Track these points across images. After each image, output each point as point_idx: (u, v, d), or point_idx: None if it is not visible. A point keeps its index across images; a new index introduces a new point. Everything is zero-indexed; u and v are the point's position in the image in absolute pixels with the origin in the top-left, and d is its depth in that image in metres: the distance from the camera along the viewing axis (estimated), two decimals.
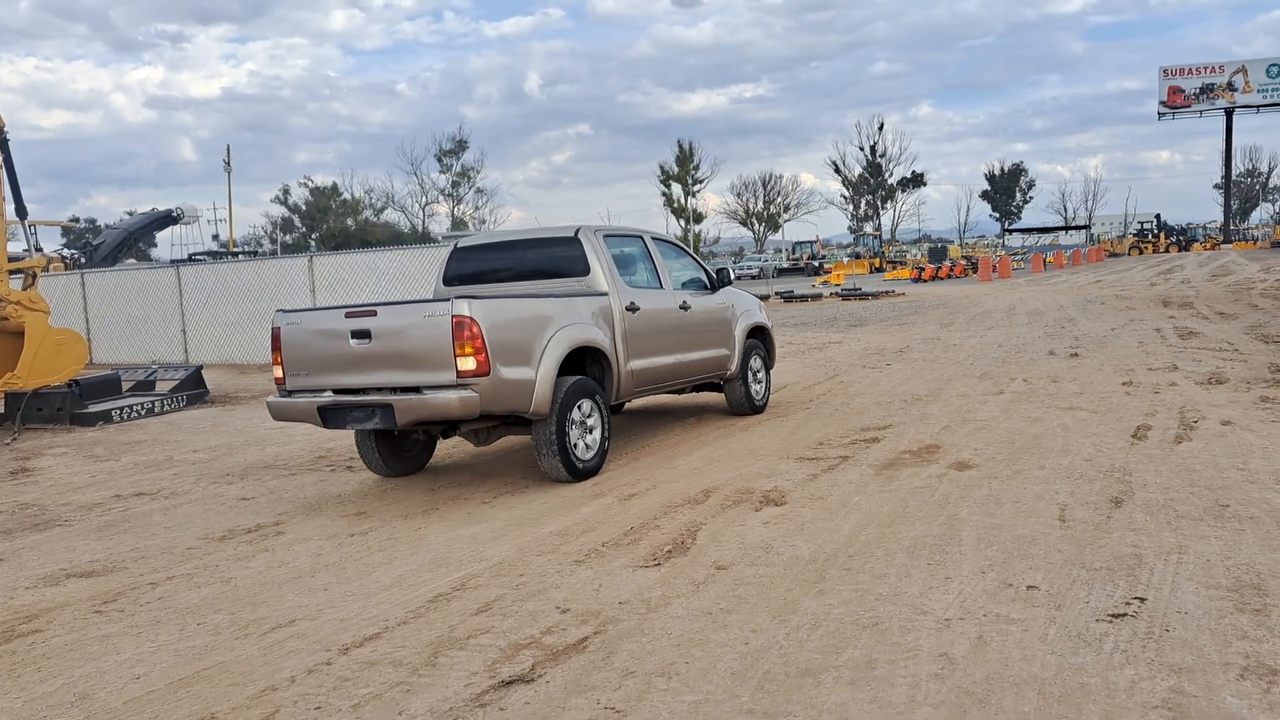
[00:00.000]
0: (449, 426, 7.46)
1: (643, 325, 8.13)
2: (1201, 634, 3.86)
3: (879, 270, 56.66)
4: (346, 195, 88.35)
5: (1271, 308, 19.47)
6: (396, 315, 6.74)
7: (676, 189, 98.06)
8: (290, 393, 7.13)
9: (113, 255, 37.02)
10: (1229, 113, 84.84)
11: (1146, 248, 69.46)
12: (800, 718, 3.36)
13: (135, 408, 12.76)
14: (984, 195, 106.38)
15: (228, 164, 62.37)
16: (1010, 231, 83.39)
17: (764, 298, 33.58)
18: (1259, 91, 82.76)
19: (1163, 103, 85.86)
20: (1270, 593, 4.26)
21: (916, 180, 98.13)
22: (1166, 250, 69.19)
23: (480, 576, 5.16)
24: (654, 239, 9.05)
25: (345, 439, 9.71)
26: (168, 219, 41.93)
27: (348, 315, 6.85)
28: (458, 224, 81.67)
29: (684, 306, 8.83)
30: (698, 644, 4.04)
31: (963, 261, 50.28)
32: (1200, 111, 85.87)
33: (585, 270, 7.96)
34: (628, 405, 9.91)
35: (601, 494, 6.87)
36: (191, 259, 33.01)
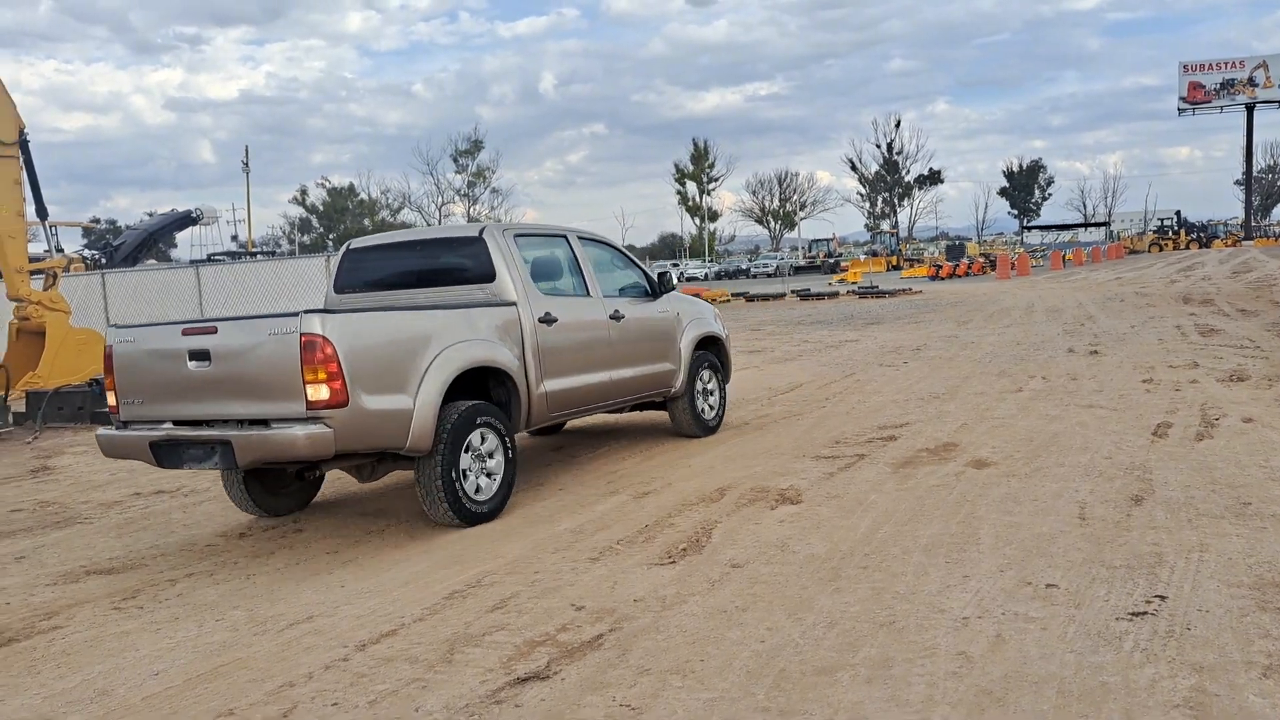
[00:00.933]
0: (308, 465, 6.34)
1: (562, 340, 7.08)
2: (1223, 632, 3.82)
3: (896, 268, 56.46)
4: (363, 196, 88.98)
5: None
6: (240, 332, 5.65)
7: (691, 187, 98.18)
8: (125, 424, 6.04)
9: (133, 256, 37.30)
10: (1250, 108, 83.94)
11: (1167, 244, 68.90)
12: (817, 716, 3.35)
13: None
14: (1002, 192, 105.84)
15: (246, 165, 62.74)
16: (1029, 229, 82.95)
17: (780, 295, 33.51)
18: None
19: (1183, 98, 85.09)
20: None
21: (934, 177, 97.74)
22: (1187, 247, 68.58)
23: (495, 574, 5.16)
24: (581, 239, 7.95)
25: None
26: (187, 220, 42.20)
27: (185, 332, 5.79)
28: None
29: (616, 316, 7.75)
30: (713, 642, 4.03)
31: (980, 259, 50.00)
32: (1221, 107, 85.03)
33: (490, 275, 6.86)
34: (623, 412, 8.84)
35: (615, 491, 6.86)
36: (211, 259, 33.25)
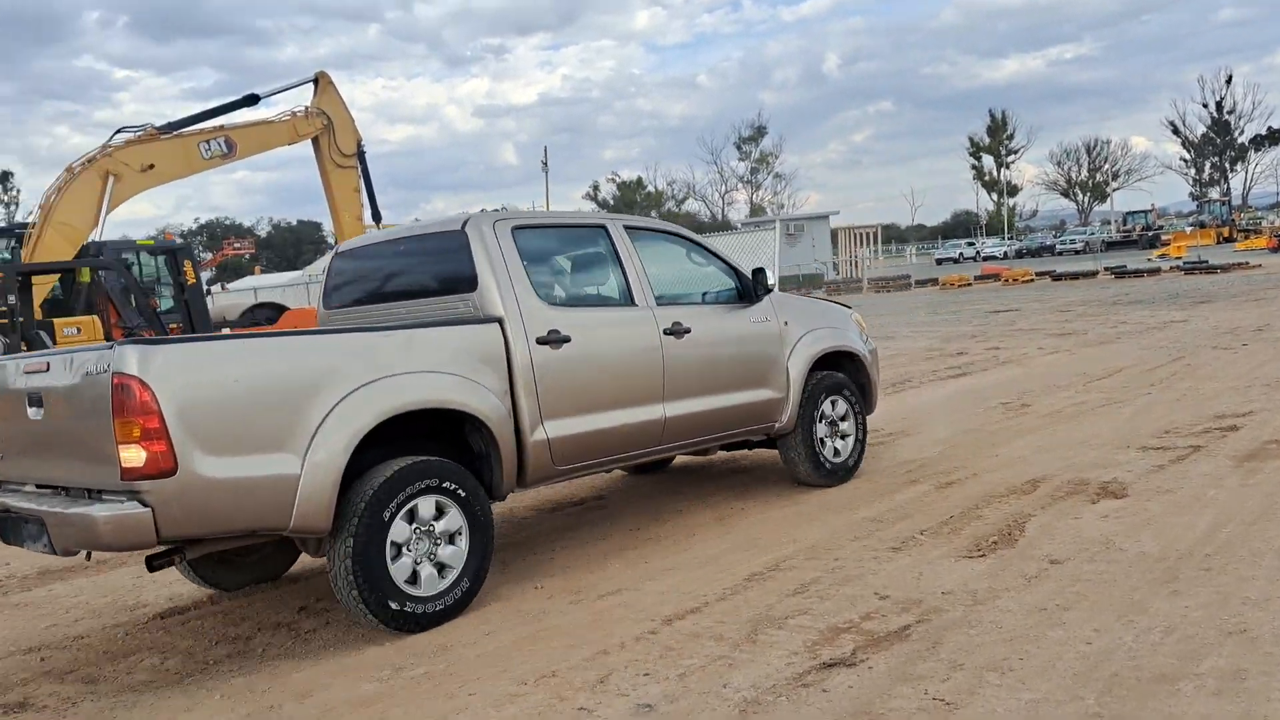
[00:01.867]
0: (171, 552, 4.60)
1: (578, 366, 5.35)
2: None
3: (1228, 240, 50.47)
4: (650, 188, 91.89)
5: None
6: (64, 370, 4.27)
7: (988, 161, 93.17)
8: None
9: None
10: None
11: None
12: None
13: None
14: None
15: (545, 165, 66.57)
16: None
17: (1091, 274, 31.00)
18: None
19: None
20: None
21: (1273, 137, 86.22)
22: None
23: (793, 559, 5.15)
24: (631, 229, 6.05)
25: None
26: None
27: (25, 369, 4.52)
28: (755, 210, 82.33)
29: (675, 330, 5.82)
30: (1032, 640, 3.79)
31: None
32: None
33: (472, 283, 5.26)
34: (709, 454, 7.18)
35: (915, 481, 6.63)
36: None
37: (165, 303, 15.65)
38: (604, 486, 7.46)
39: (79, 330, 13.49)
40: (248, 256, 58.18)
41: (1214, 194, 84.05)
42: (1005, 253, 62.91)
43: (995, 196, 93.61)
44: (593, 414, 5.37)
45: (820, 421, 6.64)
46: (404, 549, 4.54)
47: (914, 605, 4.29)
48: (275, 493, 4.22)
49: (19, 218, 51.17)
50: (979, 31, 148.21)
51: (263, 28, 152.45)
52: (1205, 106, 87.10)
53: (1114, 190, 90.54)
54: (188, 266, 15.18)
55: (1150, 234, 59.35)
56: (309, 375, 4.40)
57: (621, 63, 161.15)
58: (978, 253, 64.25)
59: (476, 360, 4.94)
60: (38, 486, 4.56)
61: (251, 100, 16.12)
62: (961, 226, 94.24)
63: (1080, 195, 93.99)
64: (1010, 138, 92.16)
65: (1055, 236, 69.48)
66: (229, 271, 54.45)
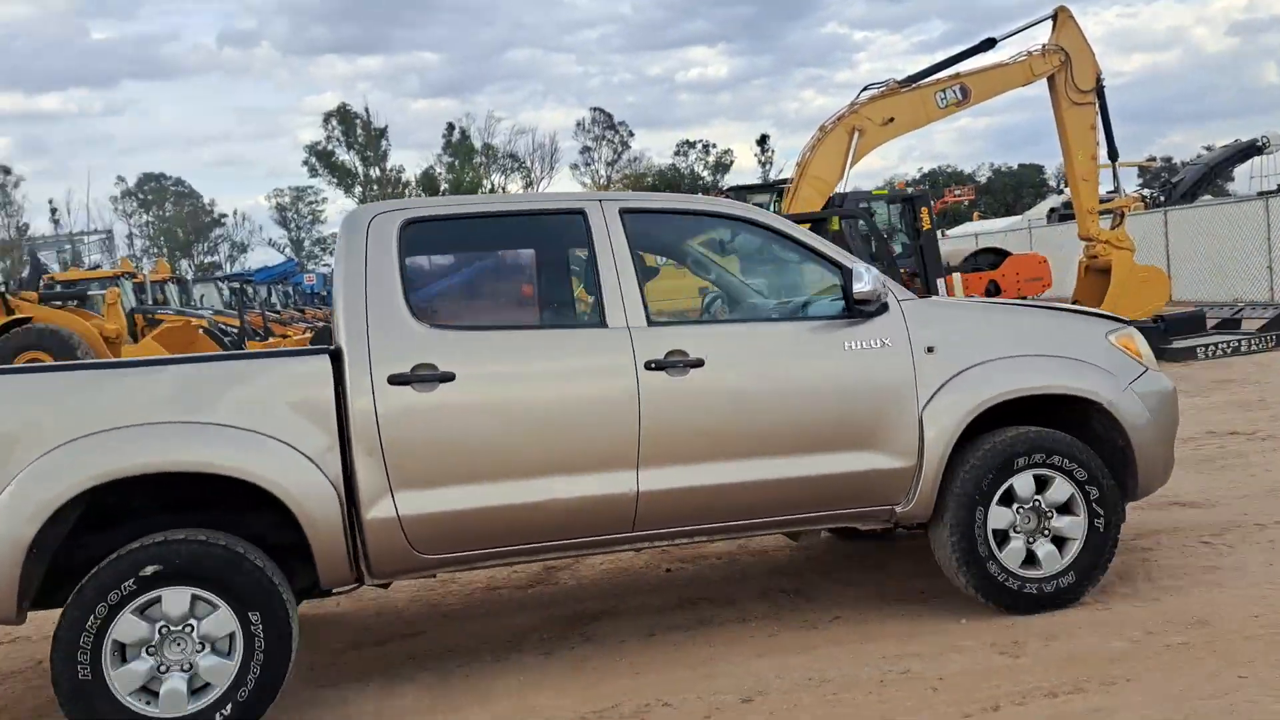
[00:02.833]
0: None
1: (468, 416, 3.84)
2: None
3: None
4: None
5: None
6: None
7: None
8: None
9: (1191, 192, 36.48)
10: None
11: None
12: None
13: (1220, 345, 12.48)
14: None
15: None
16: None
17: None
18: None
19: None
20: None
21: None
22: None
23: None
24: (628, 212, 4.24)
25: None
26: (1251, 150, 39.28)
27: None
28: None
29: (668, 363, 4.02)
30: None
31: None
32: None
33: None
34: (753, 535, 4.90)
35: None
36: None
37: (898, 249, 16.66)
38: None
39: None
40: (966, 203, 59.12)
41: None
42: None
43: None
44: (496, 481, 3.86)
45: (995, 504, 4.23)
46: (128, 674, 3.46)
47: None
48: None
49: (773, 175, 58.62)
50: None
51: None
52: None
53: None
54: (924, 213, 15.93)
55: None
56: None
57: None
58: None
59: (291, 409, 3.75)
60: None
61: (989, 44, 16.11)
62: None
63: None
64: None
65: None
66: (948, 219, 55.96)
